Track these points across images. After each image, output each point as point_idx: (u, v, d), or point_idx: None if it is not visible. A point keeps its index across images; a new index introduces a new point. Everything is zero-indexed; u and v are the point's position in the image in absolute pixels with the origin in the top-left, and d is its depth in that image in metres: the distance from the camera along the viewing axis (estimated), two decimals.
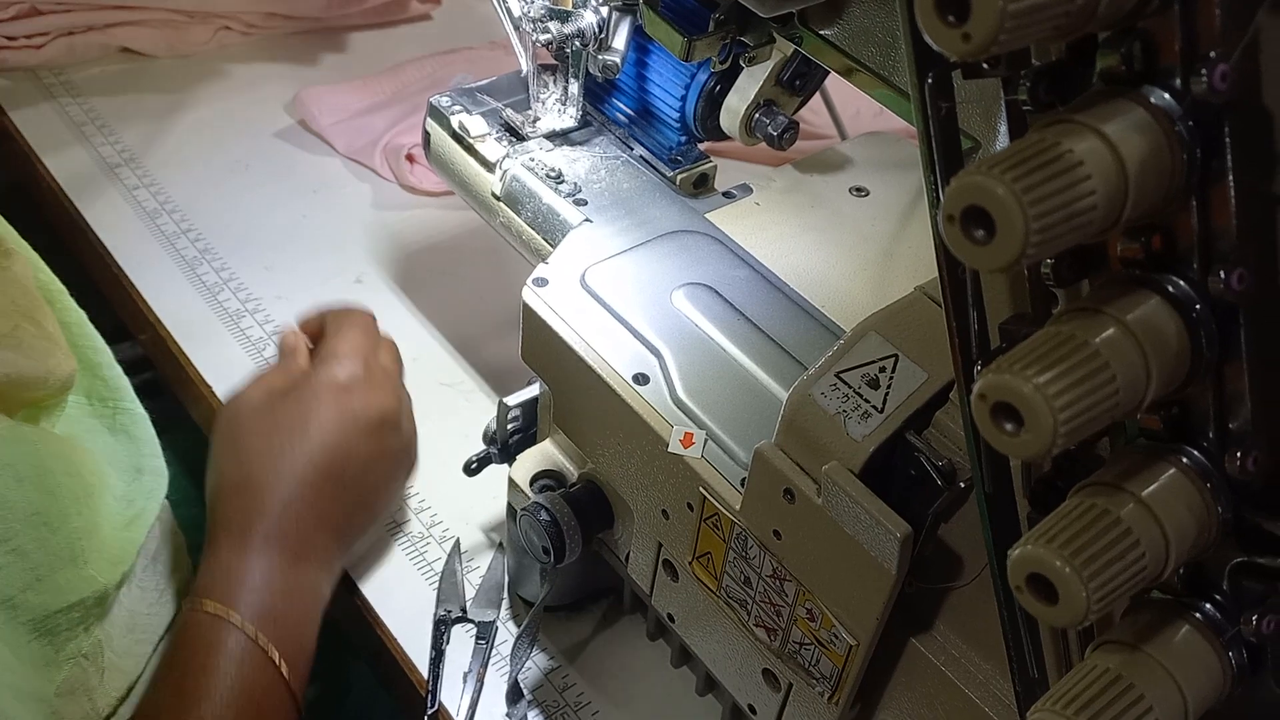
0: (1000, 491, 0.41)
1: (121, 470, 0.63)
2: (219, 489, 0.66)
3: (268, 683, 0.61)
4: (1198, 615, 0.36)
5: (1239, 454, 0.34)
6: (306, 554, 0.65)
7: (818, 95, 0.74)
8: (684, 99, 0.70)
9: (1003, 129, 0.42)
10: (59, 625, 0.54)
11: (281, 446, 0.66)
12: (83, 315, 0.65)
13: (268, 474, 0.65)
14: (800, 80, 0.67)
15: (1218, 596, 0.36)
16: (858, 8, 0.51)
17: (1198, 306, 0.33)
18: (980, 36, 0.28)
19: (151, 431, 0.67)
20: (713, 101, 0.69)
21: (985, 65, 0.35)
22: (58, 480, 0.55)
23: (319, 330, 0.75)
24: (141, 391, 0.69)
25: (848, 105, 0.89)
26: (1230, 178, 0.32)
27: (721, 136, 0.72)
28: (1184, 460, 0.35)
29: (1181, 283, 0.33)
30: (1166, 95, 0.31)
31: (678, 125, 0.72)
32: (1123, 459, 0.35)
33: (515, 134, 0.73)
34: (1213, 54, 0.30)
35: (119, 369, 0.66)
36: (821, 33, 0.53)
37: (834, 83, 0.71)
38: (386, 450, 0.71)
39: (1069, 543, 0.32)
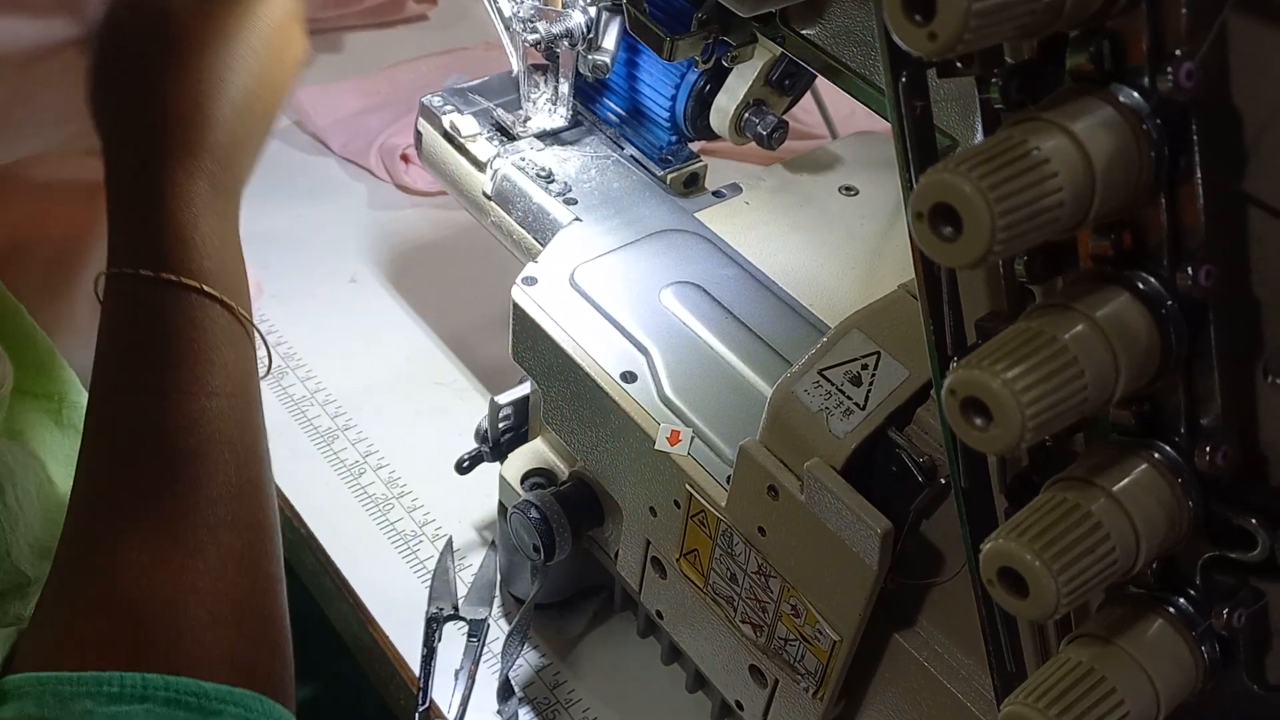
0: (977, 487, 0.41)
1: (66, 464, 0.60)
2: (154, 111, 0.55)
3: (250, 360, 0.55)
4: (1170, 609, 0.37)
5: (1209, 449, 0.34)
6: (235, 190, 0.58)
7: (809, 95, 0.75)
8: (674, 98, 0.70)
9: (979, 127, 0.43)
10: None
11: (229, 65, 0.56)
12: (20, 307, 0.61)
13: (215, 101, 0.55)
14: (790, 80, 0.67)
15: (1190, 591, 0.37)
16: (838, 7, 0.51)
17: (1167, 303, 0.33)
18: (946, 35, 0.29)
19: None
20: (702, 101, 0.70)
21: (959, 64, 0.35)
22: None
23: None
24: None
25: (840, 105, 0.89)
26: (1198, 175, 0.32)
27: (712, 136, 0.72)
28: (1155, 455, 0.35)
29: (1151, 279, 0.33)
30: (1135, 93, 0.32)
31: (668, 125, 0.72)
32: (1095, 454, 0.36)
33: (506, 134, 0.74)
34: (1179, 52, 0.31)
35: (64, 362, 0.63)
36: (803, 33, 0.53)
37: (825, 82, 0.71)
38: (300, 64, 0.62)
39: (1039, 536, 0.33)
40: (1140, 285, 0.33)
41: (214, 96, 0.55)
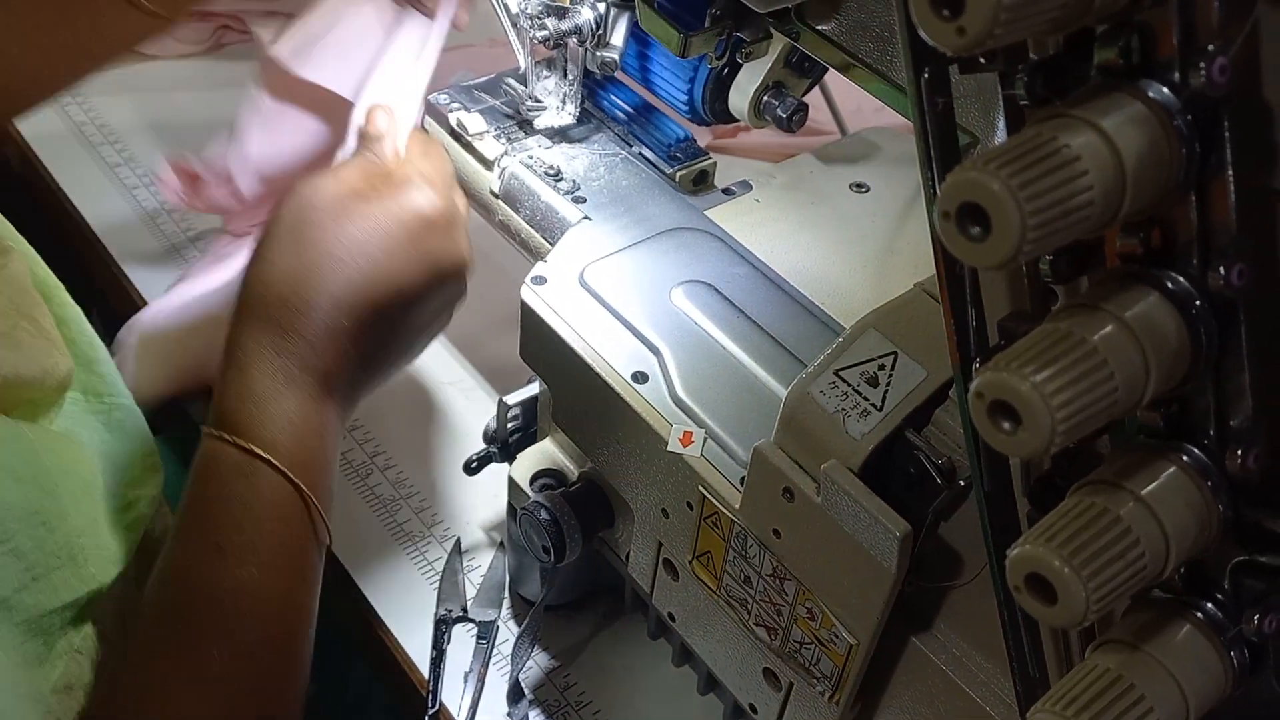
0: (999, 490, 0.41)
1: (117, 466, 0.62)
2: (265, 286, 0.58)
3: (305, 536, 0.58)
4: (1198, 614, 0.36)
5: (1239, 451, 0.34)
6: (334, 392, 0.60)
7: (818, 91, 0.74)
8: (692, 81, 0.69)
9: (1001, 124, 0.42)
10: (53, 624, 0.53)
11: (343, 262, 0.58)
12: (79, 311, 0.63)
13: (320, 292, 0.58)
14: (810, 62, 0.66)
15: (1219, 595, 0.36)
16: (854, 2, 0.50)
17: (1197, 302, 0.32)
18: (975, 30, 0.28)
19: (146, 427, 0.65)
20: (721, 85, 0.69)
21: (982, 60, 0.34)
22: (55, 479, 0.54)
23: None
24: None
25: (848, 100, 0.89)
26: (1229, 172, 0.31)
27: (730, 120, 0.71)
28: (1184, 458, 0.34)
29: (1180, 278, 0.33)
30: (1164, 89, 0.31)
31: (686, 110, 0.71)
32: (1122, 457, 0.35)
33: (517, 118, 0.73)
34: (1211, 47, 0.30)
35: (114, 364, 0.65)
36: (818, 27, 0.52)
37: (834, 77, 0.70)
38: (448, 302, 0.65)
39: (1068, 542, 0.32)
40: (1169, 285, 0.33)
41: (317, 285, 0.58)
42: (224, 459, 0.56)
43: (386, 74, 0.70)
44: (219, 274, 0.76)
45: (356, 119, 0.68)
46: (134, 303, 0.89)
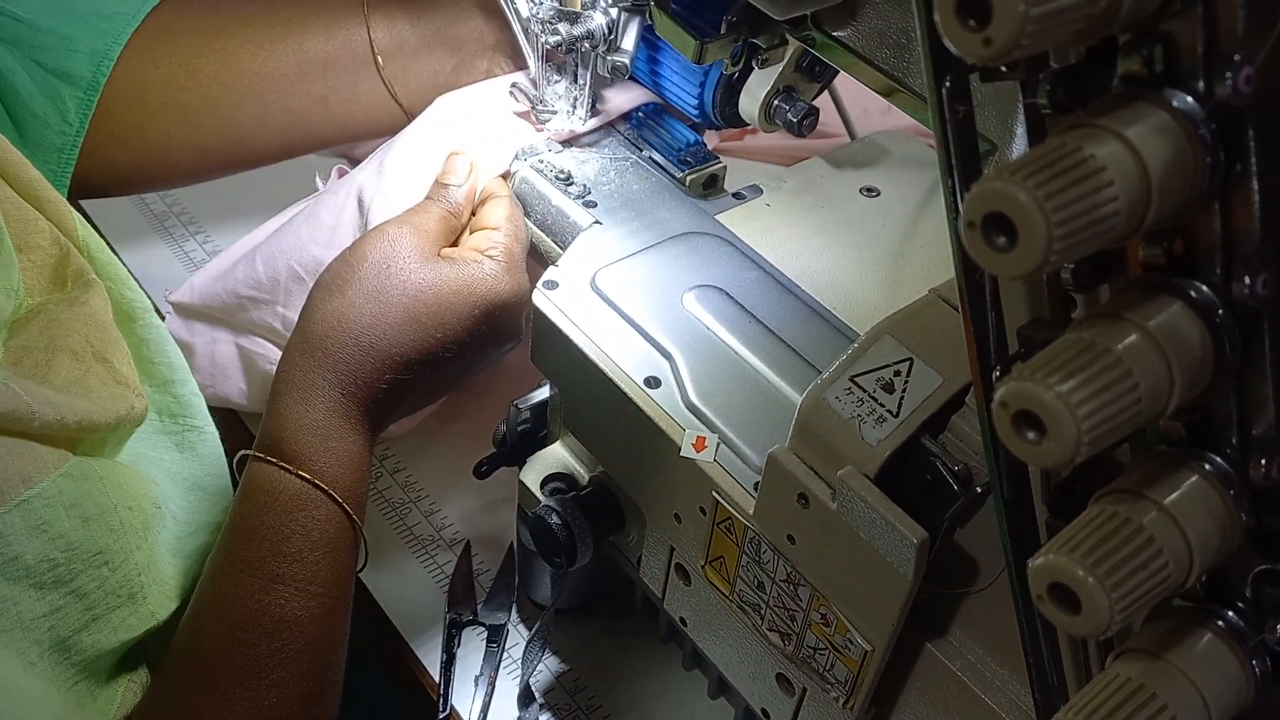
0: (1019, 498, 0.41)
1: (185, 490, 0.62)
2: (341, 325, 0.60)
3: (353, 567, 0.61)
4: (1220, 623, 0.36)
5: (1263, 460, 0.34)
6: (377, 429, 0.63)
7: (827, 94, 0.74)
8: (703, 85, 0.69)
9: (1020, 131, 0.42)
10: (110, 663, 0.53)
11: (422, 325, 0.61)
12: (164, 332, 0.62)
13: (395, 346, 0.60)
14: (820, 66, 0.67)
15: (1240, 604, 0.36)
16: (871, 9, 0.50)
17: (1220, 312, 0.32)
18: (1002, 41, 0.28)
19: (220, 451, 0.64)
20: (731, 89, 0.69)
21: (1004, 68, 0.34)
22: (120, 516, 0.54)
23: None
24: None
25: (855, 103, 0.89)
26: (1254, 181, 0.31)
27: (740, 123, 0.71)
28: (1206, 466, 0.34)
29: (1204, 288, 0.33)
30: (1189, 98, 0.31)
31: (696, 113, 0.71)
32: (1144, 465, 0.35)
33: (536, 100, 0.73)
34: (1236, 56, 0.30)
35: (194, 385, 0.64)
36: (835, 34, 0.52)
37: (843, 81, 0.70)
38: (493, 364, 0.69)
39: (1091, 552, 0.32)
40: (1193, 294, 0.33)
41: (394, 340, 0.60)
42: (285, 488, 0.58)
43: (476, 124, 0.71)
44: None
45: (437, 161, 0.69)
46: None
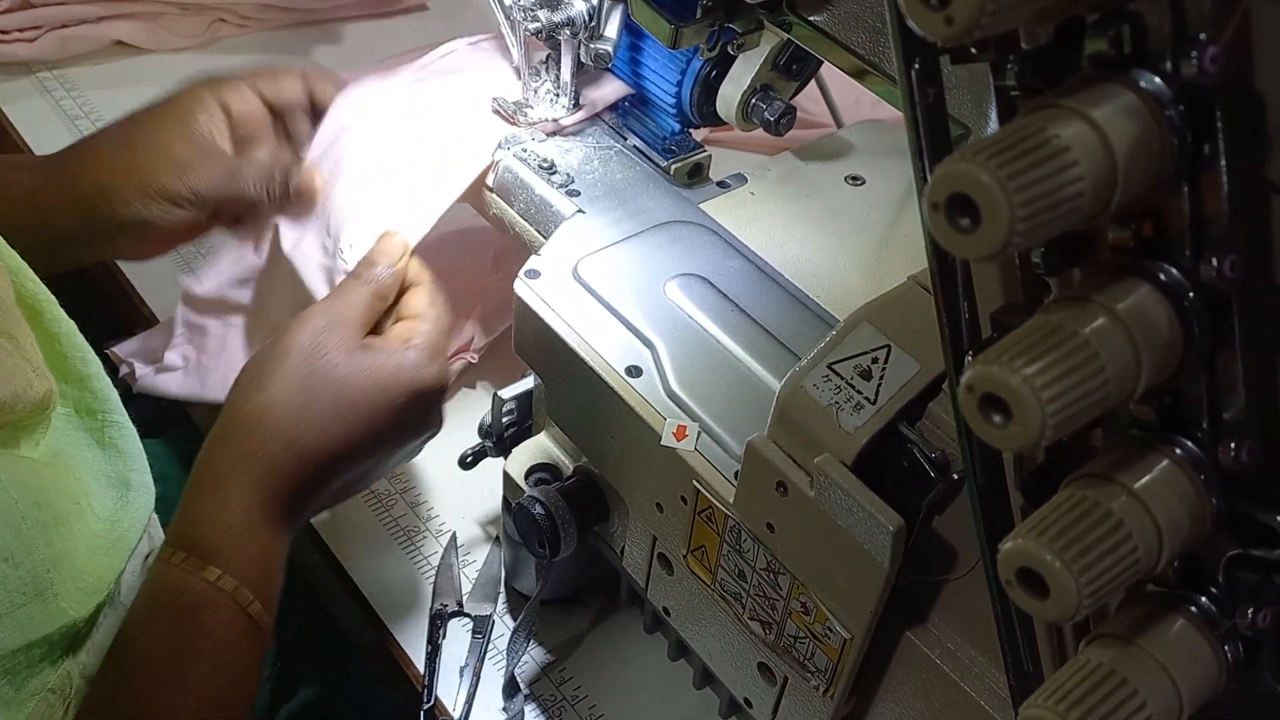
0: (992, 483, 0.40)
1: (108, 486, 0.61)
2: (264, 416, 0.60)
3: (258, 660, 0.59)
4: (1193, 609, 0.36)
5: (1232, 444, 0.33)
6: (295, 525, 0.62)
7: (814, 83, 0.73)
8: (679, 84, 0.69)
9: (993, 115, 0.42)
10: (19, 664, 0.52)
11: (349, 424, 0.61)
12: (73, 326, 0.61)
13: (320, 445, 0.60)
14: (797, 65, 0.66)
15: (1213, 589, 0.36)
16: None
17: (1190, 294, 0.32)
18: (963, 20, 0.28)
19: (139, 445, 0.63)
20: (709, 87, 0.69)
21: (973, 50, 0.34)
22: (22, 512, 0.52)
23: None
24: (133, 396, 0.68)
25: (845, 94, 0.88)
26: (1222, 163, 0.31)
27: (718, 122, 0.71)
28: (1176, 451, 0.34)
29: (1173, 270, 0.32)
30: (1156, 79, 0.31)
31: (674, 112, 0.71)
32: (1114, 450, 0.35)
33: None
34: (1202, 36, 0.30)
35: (108, 380, 0.63)
36: (810, 19, 0.52)
37: (830, 70, 0.70)
38: (412, 457, 0.69)
39: (1059, 536, 0.32)
40: (1161, 276, 0.32)
41: (317, 437, 0.60)
42: (190, 587, 0.57)
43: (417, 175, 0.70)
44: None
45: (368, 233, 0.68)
46: (135, 305, 0.88)
